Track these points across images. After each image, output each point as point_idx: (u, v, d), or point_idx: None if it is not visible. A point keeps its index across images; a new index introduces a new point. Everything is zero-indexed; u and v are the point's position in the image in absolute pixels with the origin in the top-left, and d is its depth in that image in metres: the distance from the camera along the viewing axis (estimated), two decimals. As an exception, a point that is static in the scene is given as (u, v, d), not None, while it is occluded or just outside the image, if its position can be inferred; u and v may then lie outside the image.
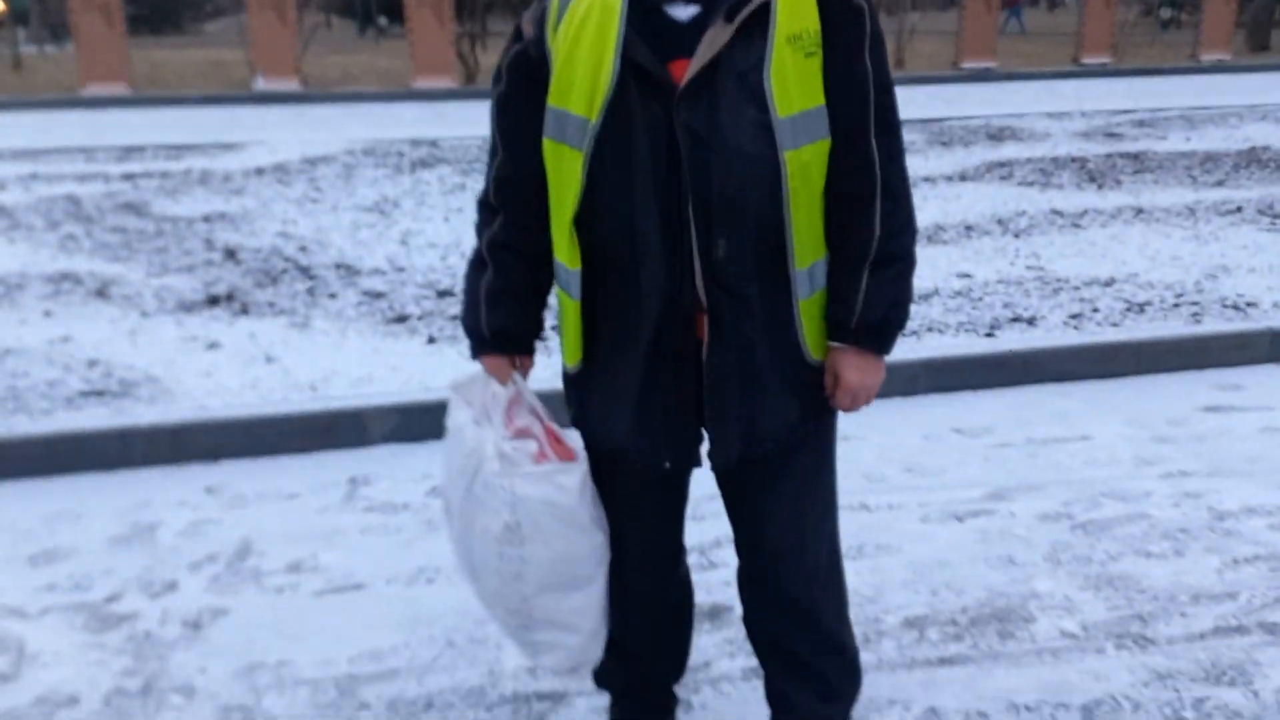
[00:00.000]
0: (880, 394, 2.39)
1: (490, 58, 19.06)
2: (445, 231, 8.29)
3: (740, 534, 2.55)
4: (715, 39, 2.05)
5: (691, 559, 3.13)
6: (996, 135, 12.68)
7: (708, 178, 2.09)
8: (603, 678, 2.85)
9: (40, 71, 21.34)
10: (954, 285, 6.70)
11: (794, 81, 2.08)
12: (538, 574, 2.43)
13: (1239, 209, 8.72)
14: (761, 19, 2.07)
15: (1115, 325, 5.88)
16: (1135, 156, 11.16)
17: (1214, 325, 5.86)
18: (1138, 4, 29.99)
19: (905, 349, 5.45)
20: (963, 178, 10.22)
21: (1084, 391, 5.39)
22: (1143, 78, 19.96)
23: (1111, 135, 12.61)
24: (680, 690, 3.03)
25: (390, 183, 10.23)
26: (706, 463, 2.36)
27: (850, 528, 3.51)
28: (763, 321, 2.21)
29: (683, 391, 2.27)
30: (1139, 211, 8.69)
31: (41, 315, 6.21)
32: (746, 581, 2.60)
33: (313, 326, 6.04)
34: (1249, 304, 6.22)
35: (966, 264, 7.21)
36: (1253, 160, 10.86)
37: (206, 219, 8.72)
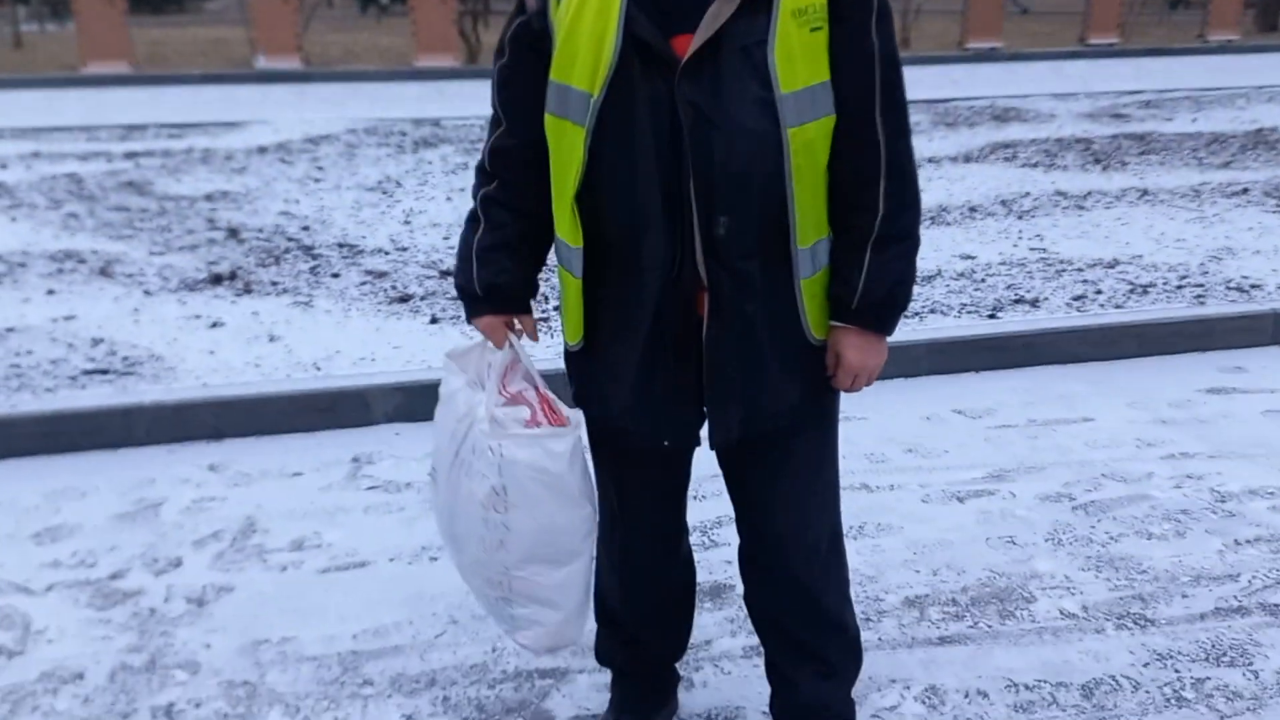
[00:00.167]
0: (882, 375, 2.38)
1: (492, 36, 19.01)
2: (448, 211, 8.28)
3: (741, 514, 2.55)
4: (719, 13, 2.03)
5: (693, 538, 3.15)
6: (1001, 116, 12.65)
7: (709, 154, 2.07)
8: (604, 655, 2.87)
9: (41, 49, 21.28)
10: (957, 266, 6.69)
11: (799, 57, 2.06)
12: (521, 544, 2.39)
13: (1245, 191, 8.70)
14: None
15: (1119, 307, 5.88)
16: (1141, 138, 11.13)
17: (1218, 307, 5.86)
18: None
19: (908, 330, 5.46)
20: (967, 159, 10.20)
21: (1086, 373, 5.39)
22: (1150, 58, 19.88)
23: (1117, 116, 12.57)
24: (681, 668, 3.04)
25: (393, 162, 10.22)
26: (706, 440, 2.36)
27: (851, 508, 3.51)
28: (764, 300, 2.20)
29: (683, 370, 2.26)
30: (1144, 193, 8.67)
31: (45, 294, 6.21)
32: (748, 561, 2.60)
33: (316, 305, 6.04)
34: (1253, 286, 6.21)
35: (970, 245, 7.20)
36: (1260, 142, 10.83)
37: (209, 198, 8.72)
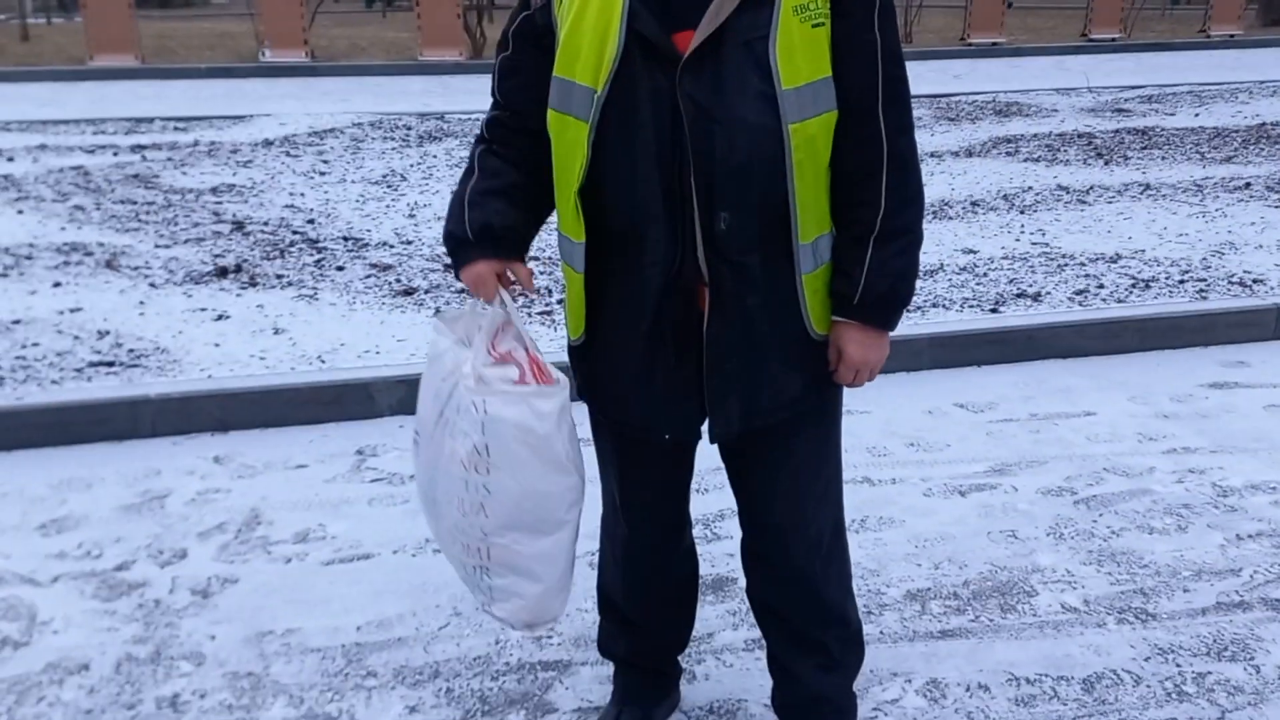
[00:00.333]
0: (884, 368, 2.39)
1: (496, 31, 18.97)
2: (453, 205, 8.28)
3: (744, 508, 2.56)
4: (721, 8, 2.04)
5: (696, 531, 3.15)
6: (1004, 111, 12.64)
7: (710, 149, 2.08)
8: (607, 647, 2.88)
9: (48, 42, 21.28)
10: (959, 261, 6.70)
11: (800, 52, 2.07)
12: (502, 508, 2.31)
13: (1247, 185, 8.70)
14: None
15: (1120, 301, 5.89)
16: (1143, 132, 11.12)
17: (1220, 302, 5.87)
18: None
19: (910, 324, 5.47)
20: (969, 153, 10.19)
21: (1088, 367, 5.40)
22: (1152, 53, 19.83)
23: (1120, 111, 12.56)
24: (684, 660, 3.06)
25: (398, 155, 10.23)
26: (708, 436, 2.37)
27: (853, 501, 3.53)
28: (765, 295, 2.21)
29: (684, 364, 2.27)
30: (1146, 188, 8.67)
31: (51, 286, 6.23)
32: (750, 554, 2.61)
33: (320, 298, 6.06)
34: (1255, 280, 6.22)
35: (972, 240, 7.21)
36: (1262, 136, 10.82)
37: (215, 191, 8.73)
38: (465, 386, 2.28)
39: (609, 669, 2.99)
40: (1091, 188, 8.70)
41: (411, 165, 9.79)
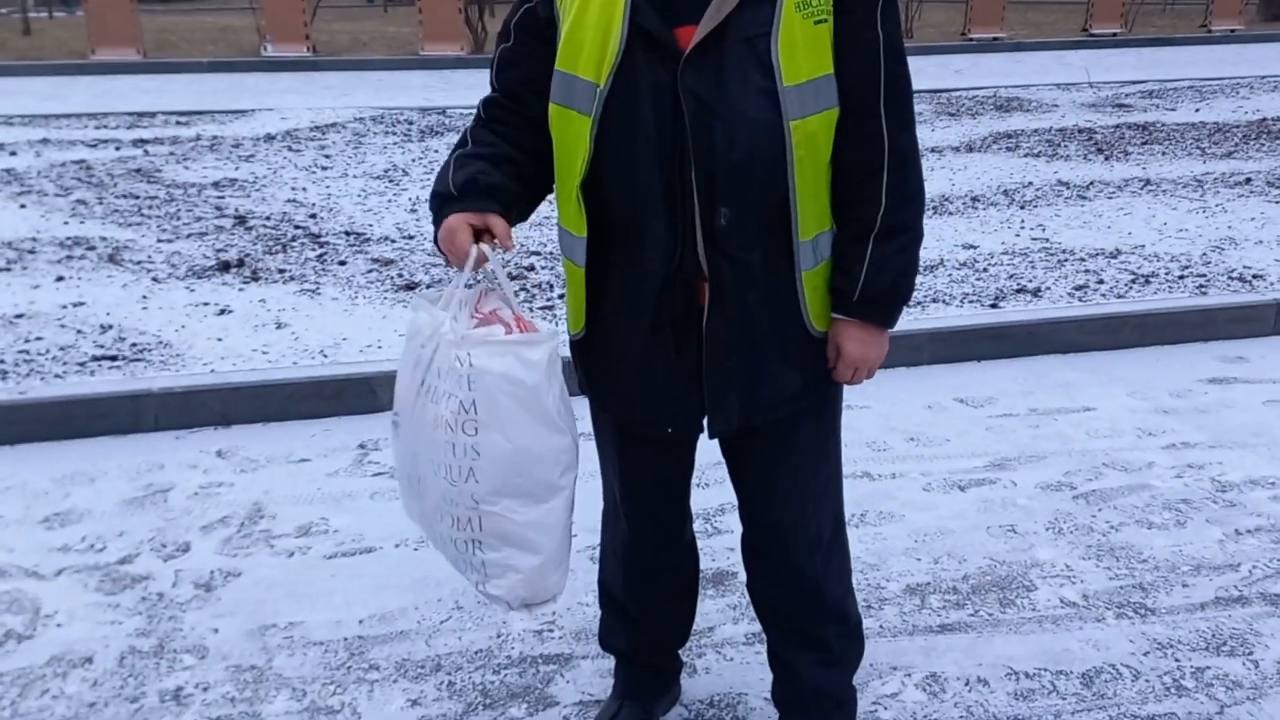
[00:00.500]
0: (884, 364, 2.39)
1: (498, 26, 18.98)
2: (454, 199, 8.29)
3: (744, 504, 2.57)
4: (722, 4, 2.04)
5: (697, 525, 3.17)
6: (1004, 106, 12.64)
7: (711, 144, 2.08)
8: (608, 641, 2.89)
9: (50, 36, 21.29)
10: (959, 256, 6.71)
11: (802, 49, 2.07)
12: (493, 471, 2.19)
13: (1248, 181, 8.71)
14: None
15: (1120, 297, 5.90)
16: (1144, 128, 11.13)
17: (1220, 297, 5.88)
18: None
19: (910, 319, 5.48)
20: (969, 148, 10.20)
21: (1088, 363, 5.41)
22: (1153, 48, 19.83)
23: (1120, 106, 12.57)
24: (684, 654, 3.07)
25: (399, 150, 10.24)
26: (707, 431, 2.37)
27: (853, 496, 3.54)
28: (764, 291, 2.21)
29: (684, 359, 2.27)
30: (1146, 183, 8.68)
31: (54, 280, 6.24)
32: (750, 550, 2.62)
33: (323, 293, 6.07)
34: (1255, 276, 6.23)
35: (972, 235, 7.22)
36: (1263, 132, 10.82)
37: (217, 185, 8.74)
38: (446, 342, 2.19)
39: (610, 663, 3.00)
40: (1092, 183, 8.71)
41: (413, 160, 9.80)
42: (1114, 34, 20.98)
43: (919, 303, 5.77)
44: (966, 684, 3.04)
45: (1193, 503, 4.01)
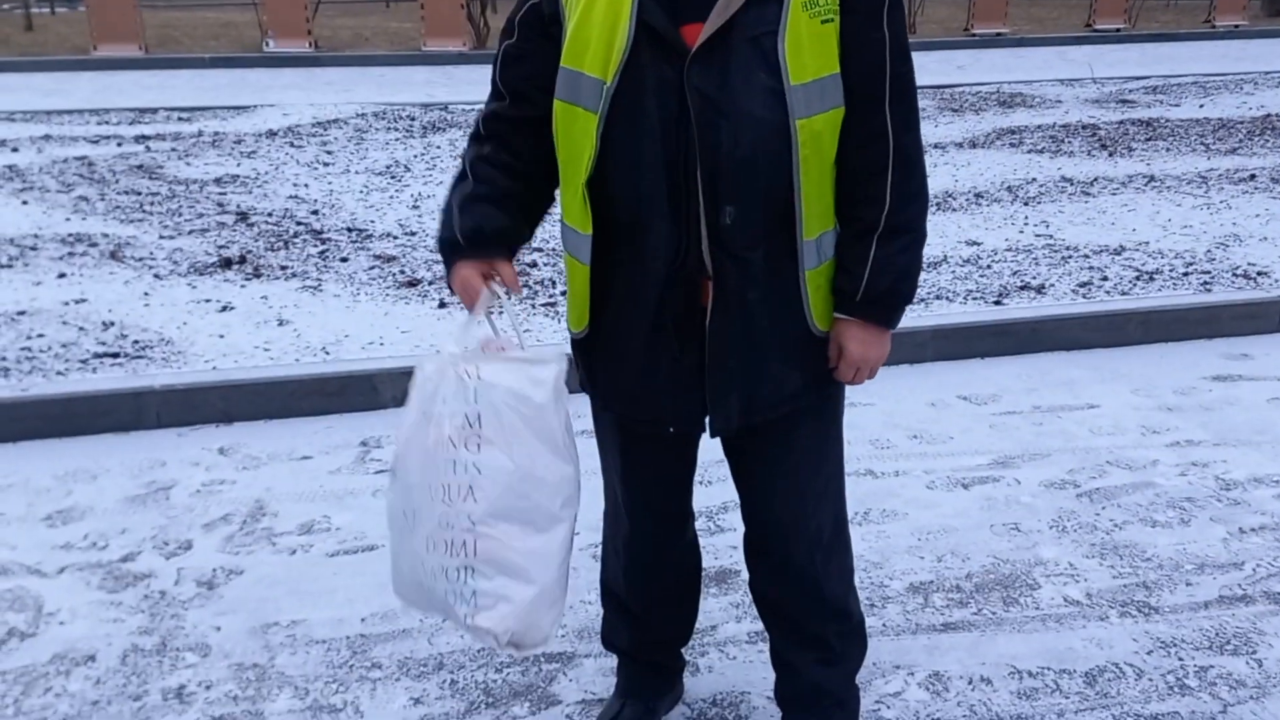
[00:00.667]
0: (887, 361, 2.39)
1: (500, 21, 18.96)
2: (456, 195, 8.29)
3: (746, 502, 2.56)
4: (730, 2, 2.04)
5: (699, 523, 3.16)
6: (1007, 102, 12.63)
7: (717, 142, 2.08)
8: (610, 640, 2.89)
9: (52, 32, 21.29)
10: (963, 253, 6.71)
11: (808, 48, 2.07)
12: (493, 489, 2.16)
13: (1252, 177, 8.70)
14: None
15: (1124, 294, 5.89)
16: (1147, 124, 11.11)
17: (1224, 294, 5.87)
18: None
19: (913, 316, 5.47)
20: (973, 145, 10.19)
21: (1091, 360, 5.40)
22: (1156, 43, 19.81)
23: (1124, 102, 12.55)
24: (687, 653, 3.07)
25: (401, 146, 10.23)
26: (709, 430, 2.37)
27: (856, 494, 3.54)
28: (767, 290, 2.21)
29: (687, 357, 2.27)
30: (1150, 179, 8.67)
31: (56, 277, 6.24)
32: (751, 548, 2.62)
33: (325, 290, 6.06)
34: (1260, 273, 6.22)
35: (976, 231, 7.21)
36: (1267, 128, 10.81)
37: (219, 182, 8.73)
38: (452, 360, 2.19)
39: (612, 661, 3.00)
40: (1095, 179, 8.70)
41: (415, 156, 9.80)
42: (1117, 29, 20.95)
43: (922, 300, 5.76)
44: (970, 683, 3.03)
45: (1197, 501, 4.00)
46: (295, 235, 7.19)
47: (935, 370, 5.29)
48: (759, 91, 2.07)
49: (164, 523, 3.91)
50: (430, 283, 6.15)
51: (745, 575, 2.72)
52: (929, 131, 10.51)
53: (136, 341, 5.26)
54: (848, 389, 2.49)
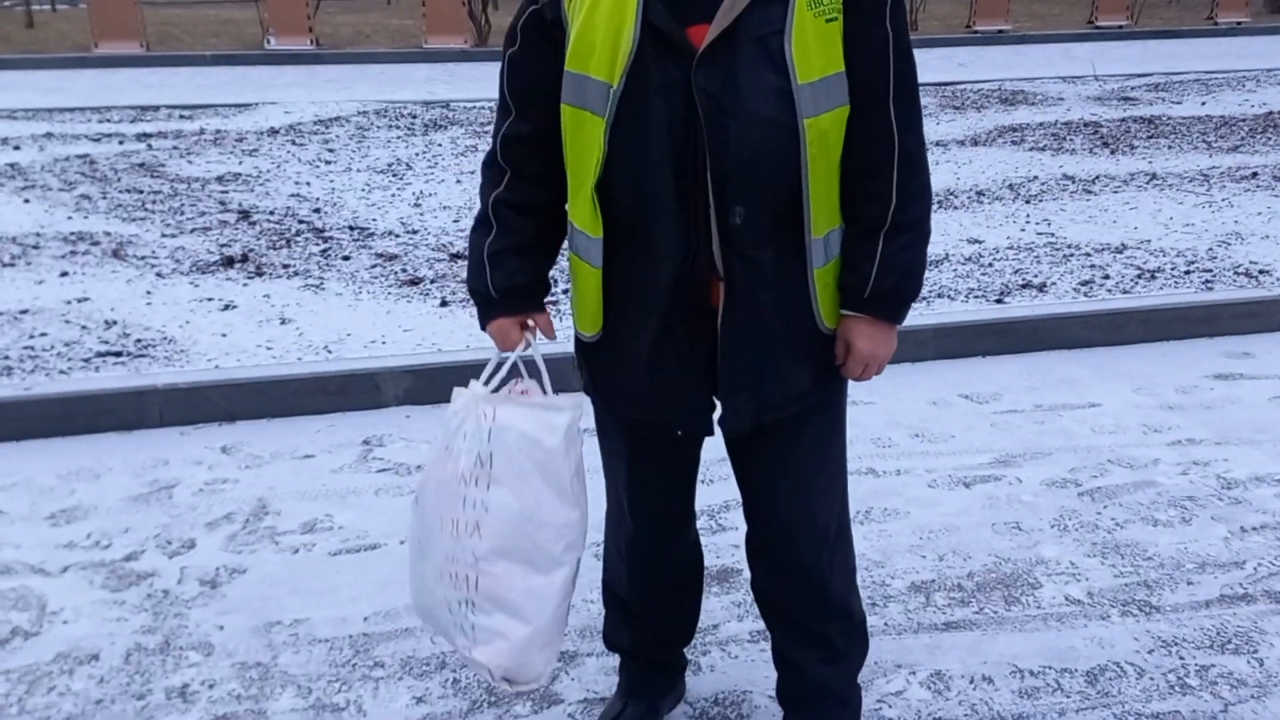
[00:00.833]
0: (889, 359, 2.41)
1: (502, 19, 18.99)
2: (458, 194, 8.31)
3: (749, 502, 2.57)
4: (735, 3, 2.05)
5: (701, 522, 3.17)
6: (1009, 99, 12.62)
7: (726, 143, 2.09)
8: (612, 639, 2.89)
9: (53, 29, 21.29)
10: (964, 251, 6.71)
11: (814, 47, 2.08)
12: (499, 527, 2.24)
13: (1254, 175, 8.70)
14: None
15: (1126, 292, 5.89)
16: (1150, 121, 11.11)
17: (1225, 293, 5.87)
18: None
19: (914, 314, 5.44)
20: (975, 142, 10.19)
21: (1093, 358, 5.40)
22: (1158, 40, 19.80)
23: (1126, 99, 12.54)
24: (689, 652, 3.07)
25: (403, 144, 10.23)
26: (718, 429, 2.37)
27: (858, 493, 3.54)
28: (777, 289, 2.21)
29: (695, 359, 2.28)
30: (1152, 177, 8.67)
31: (58, 276, 6.24)
32: (753, 547, 2.62)
33: (327, 288, 6.07)
34: (1262, 271, 6.22)
35: (977, 229, 7.22)
36: (1269, 126, 10.80)
37: (220, 180, 8.74)
38: (475, 399, 2.29)
39: (615, 660, 3.01)
40: (1097, 177, 8.70)
41: (417, 154, 9.80)
42: (1119, 26, 20.94)
43: (924, 298, 5.77)
44: (971, 682, 3.04)
45: (1198, 500, 4.00)
46: (297, 234, 7.19)
47: (937, 369, 5.29)
48: (766, 92, 2.08)
49: (167, 522, 3.92)
50: (432, 281, 6.16)
51: (747, 574, 2.72)
52: (931, 129, 10.51)
53: (139, 340, 5.26)
54: (851, 387, 2.50)
